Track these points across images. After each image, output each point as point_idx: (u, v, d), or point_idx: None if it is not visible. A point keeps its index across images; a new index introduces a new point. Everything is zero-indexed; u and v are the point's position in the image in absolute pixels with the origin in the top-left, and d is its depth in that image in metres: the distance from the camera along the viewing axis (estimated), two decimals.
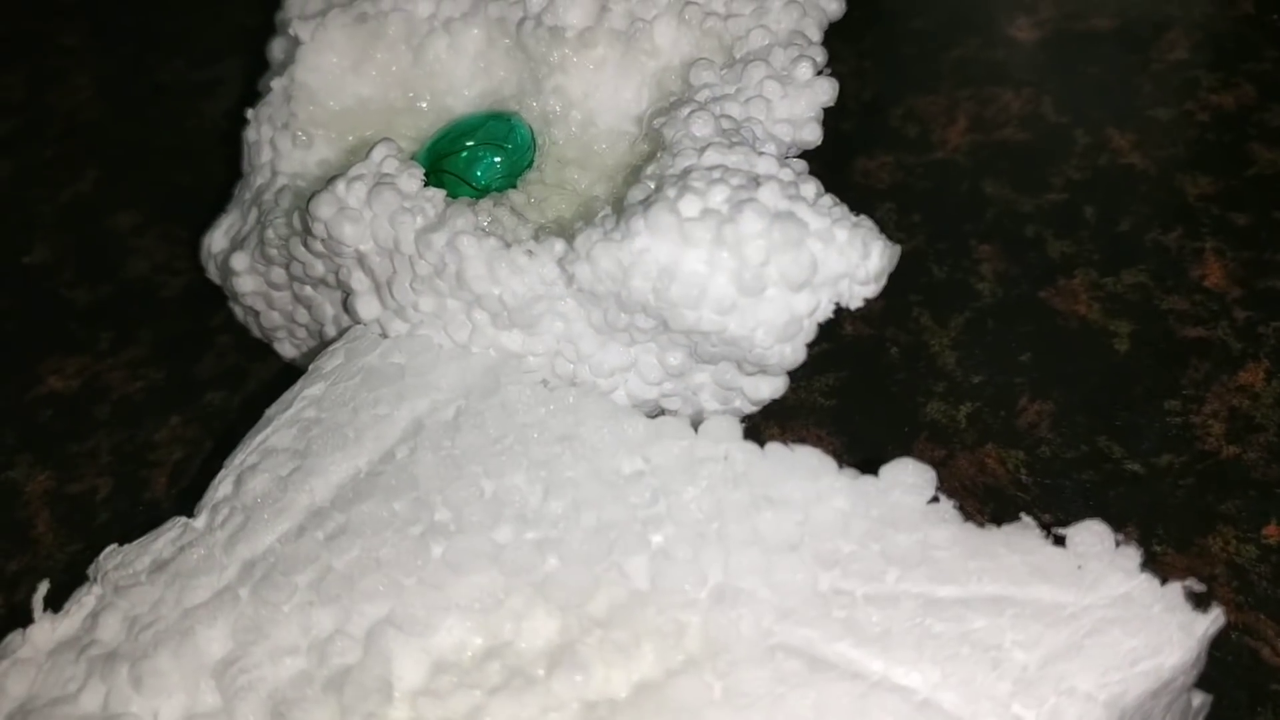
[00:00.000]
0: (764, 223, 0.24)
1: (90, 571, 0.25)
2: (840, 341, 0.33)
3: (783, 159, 0.27)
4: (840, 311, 0.26)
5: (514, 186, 0.30)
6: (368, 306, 0.28)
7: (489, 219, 0.28)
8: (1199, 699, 0.24)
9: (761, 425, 0.31)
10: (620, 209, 0.26)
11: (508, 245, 0.26)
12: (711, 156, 0.26)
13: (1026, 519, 0.24)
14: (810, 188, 0.26)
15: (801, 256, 0.25)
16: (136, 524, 0.27)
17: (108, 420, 0.33)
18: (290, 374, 0.33)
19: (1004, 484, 0.29)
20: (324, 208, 0.27)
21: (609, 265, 0.25)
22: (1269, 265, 0.33)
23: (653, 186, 0.26)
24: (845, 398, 0.31)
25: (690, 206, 0.25)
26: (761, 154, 0.26)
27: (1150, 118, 0.38)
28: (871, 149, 0.38)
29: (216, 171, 0.38)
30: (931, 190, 0.36)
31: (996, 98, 0.39)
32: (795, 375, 0.28)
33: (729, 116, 0.28)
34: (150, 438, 0.33)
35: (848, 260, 0.25)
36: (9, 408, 0.34)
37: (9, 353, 0.35)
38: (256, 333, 0.33)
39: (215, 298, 0.34)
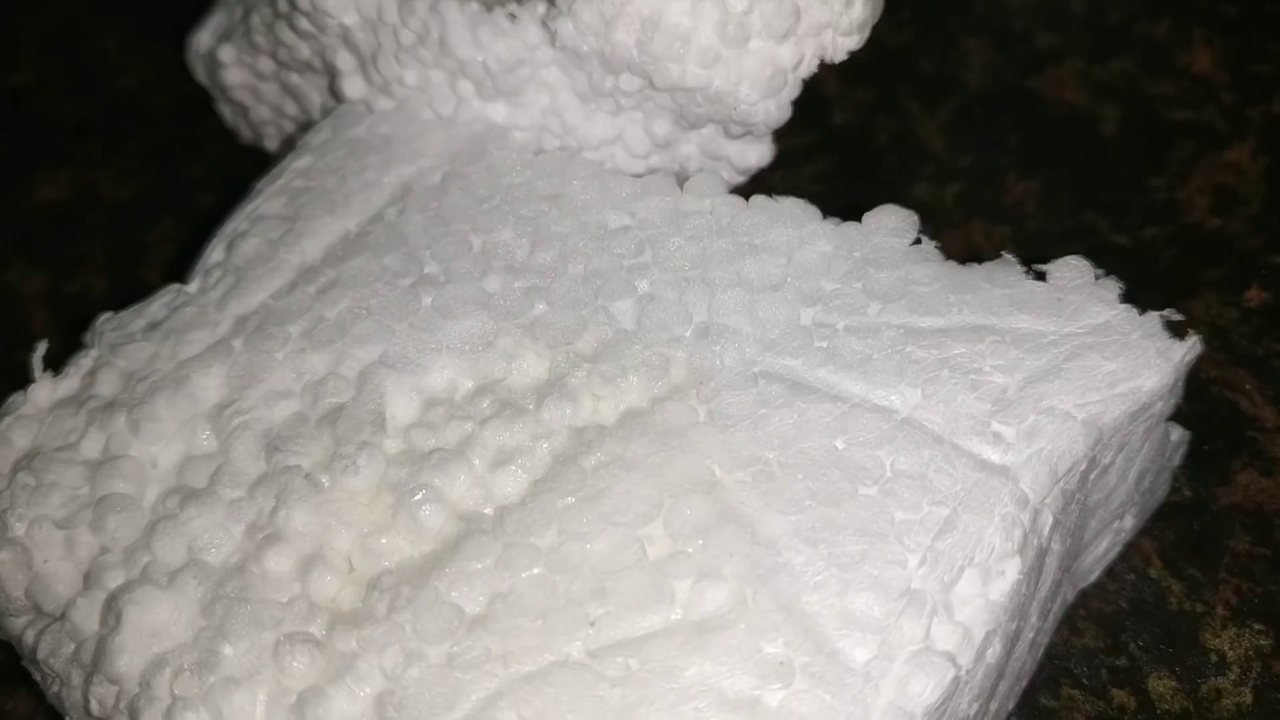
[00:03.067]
0: None
1: (86, 338, 0.26)
2: (829, 131, 0.33)
3: None
4: (824, 69, 0.26)
5: None
6: (353, 85, 0.28)
7: None
8: (1177, 433, 0.25)
9: None
10: None
11: (489, 9, 0.26)
12: None
13: (1008, 256, 0.24)
14: None
15: (784, 5, 0.24)
16: None
17: (101, 225, 0.33)
18: None
19: (990, 257, 0.29)
20: None
21: (590, 18, 0.25)
22: (1258, 51, 0.33)
23: None
24: (834, 183, 0.32)
25: None
26: None
27: None
28: None
29: None
30: None
31: None
32: (784, 163, 0.28)
33: None
34: (143, 239, 0.33)
35: (831, 9, 0.25)
36: (3, 216, 0.34)
37: (0, 167, 0.35)
38: (246, 133, 0.33)
39: (202, 109, 0.34)
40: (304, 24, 0.28)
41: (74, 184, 0.35)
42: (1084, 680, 0.24)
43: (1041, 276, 0.24)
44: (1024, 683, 0.23)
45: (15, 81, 0.38)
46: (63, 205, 0.34)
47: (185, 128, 0.35)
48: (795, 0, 0.25)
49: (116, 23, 0.39)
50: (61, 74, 0.38)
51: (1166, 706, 0.23)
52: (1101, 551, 0.25)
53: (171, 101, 0.36)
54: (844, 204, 0.31)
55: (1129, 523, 0.25)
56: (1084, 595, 0.25)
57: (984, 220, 0.30)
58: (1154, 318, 0.23)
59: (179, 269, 0.32)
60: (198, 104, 0.34)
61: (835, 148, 0.32)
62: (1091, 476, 0.23)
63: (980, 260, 0.29)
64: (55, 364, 0.25)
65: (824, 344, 0.23)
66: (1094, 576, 0.25)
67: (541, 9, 0.26)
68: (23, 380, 0.30)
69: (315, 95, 0.30)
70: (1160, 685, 0.23)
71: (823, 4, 0.25)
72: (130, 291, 0.32)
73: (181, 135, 0.35)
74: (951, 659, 0.19)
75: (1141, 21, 0.34)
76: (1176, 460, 0.25)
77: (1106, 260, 0.30)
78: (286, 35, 0.29)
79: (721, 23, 0.25)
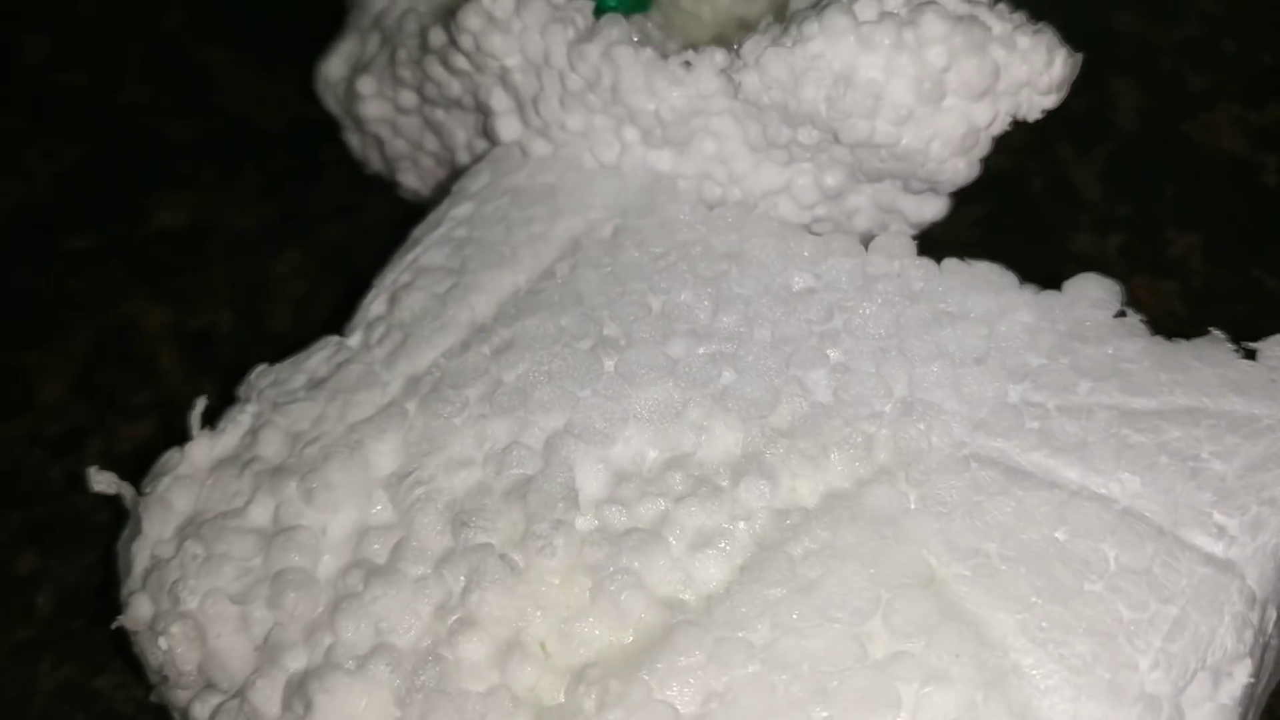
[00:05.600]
0: (946, 26, 0.23)
1: (240, 391, 0.25)
2: (982, 174, 0.31)
3: None
4: (1016, 126, 0.25)
5: (646, 9, 0.29)
6: (509, 127, 0.27)
7: (638, 34, 0.27)
8: None
9: None
10: (782, 18, 0.25)
11: (665, 56, 0.25)
12: None
13: (1216, 332, 0.23)
14: None
15: (985, 63, 0.23)
16: (264, 356, 0.26)
17: (222, 255, 0.32)
18: (408, 207, 0.32)
19: (1158, 315, 0.29)
20: (472, 18, 0.26)
21: (779, 72, 0.24)
22: None
23: None
24: (991, 230, 0.31)
25: (867, 9, 0.24)
26: None
27: None
28: None
29: (305, 7, 0.37)
30: (1061, 23, 0.35)
31: None
32: None
33: None
34: (268, 271, 0.32)
35: (1031, 67, 0.24)
36: (120, 244, 0.33)
37: (113, 190, 0.34)
38: (377, 164, 0.32)
39: (322, 132, 0.33)
40: (460, 63, 0.27)
41: (192, 210, 0.33)
42: None
43: (1252, 354, 0.23)
44: None
45: (123, 99, 0.36)
46: (182, 233, 0.33)
47: (303, 152, 0.34)
48: (995, 58, 0.24)
49: (220, 37, 0.38)
50: (170, 92, 0.37)
51: None
52: None
53: (286, 123, 0.35)
54: (1003, 253, 0.30)
55: None
56: None
57: (1148, 275, 0.29)
58: None
59: (308, 306, 0.31)
60: (314, 126, 0.33)
61: (989, 192, 0.31)
62: None
63: (1151, 321, 0.28)
64: (202, 405, 0.24)
65: (1036, 424, 0.22)
66: None
67: (720, 58, 0.25)
68: (153, 421, 0.30)
69: (460, 132, 0.29)
70: None
71: (1023, 61, 0.24)
72: (258, 328, 0.31)
73: (300, 160, 0.34)
74: None
75: None
76: None
77: (1277, 321, 0.29)
78: (436, 71, 0.28)
79: (918, 80, 0.23)
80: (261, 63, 0.37)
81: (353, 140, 0.32)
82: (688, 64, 0.25)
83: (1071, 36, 0.35)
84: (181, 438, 0.24)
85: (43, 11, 0.39)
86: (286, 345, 0.28)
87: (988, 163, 0.32)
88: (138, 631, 0.22)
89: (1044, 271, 0.30)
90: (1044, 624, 0.20)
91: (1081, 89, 0.33)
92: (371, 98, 0.30)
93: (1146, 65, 0.34)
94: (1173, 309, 0.29)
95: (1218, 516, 0.21)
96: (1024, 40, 0.24)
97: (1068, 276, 0.29)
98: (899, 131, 0.24)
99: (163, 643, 0.22)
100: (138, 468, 0.24)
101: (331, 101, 0.31)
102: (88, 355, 0.31)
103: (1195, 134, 0.32)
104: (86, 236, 0.33)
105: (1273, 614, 0.21)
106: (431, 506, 0.22)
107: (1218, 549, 0.21)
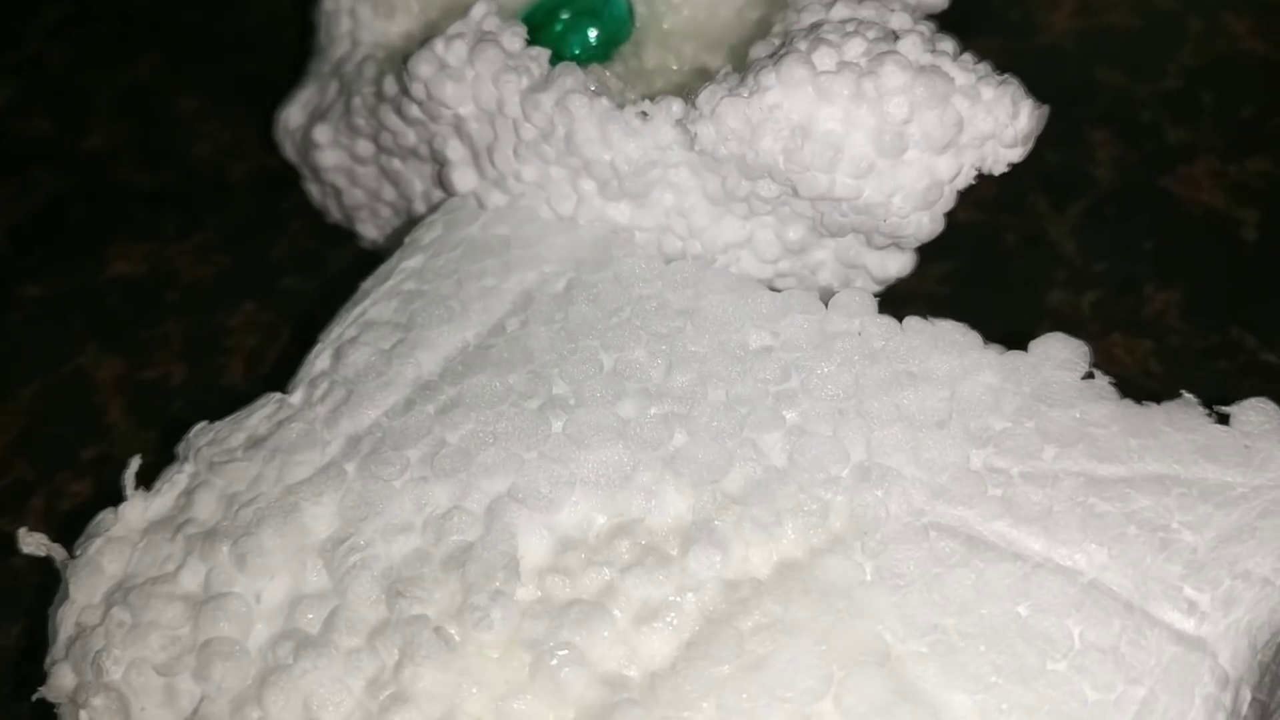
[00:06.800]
0: (907, 76, 0.23)
1: (179, 450, 0.24)
2: (953, 227, 0.31)
3: (916, 17, 0.25)
4: (981, 179, 0.24)
5: (609, 60, 0.28)
6: (464, 177, 0.26)
7: (595, 83, 0.26)
8: None
9: None
10: (743, 67, 0.24)
11: (620, 107, 0.25)
12: (841, 10, 0.24)
13: (1188, 396, 0.22)
14: (948, 44, 0.24)
15: (947, 114, 0.23)
16: (214, 410, 0.25)
17: (178, 306, 0.32)
18: (369, 258, 0.31)
19: (1134, 374, 0.28)
20: (423, 66, 0.25)
21: (736, 123, 0.23)
22: None
23: (778, 43, 0.24)
24: (961, 285, 0.30)
25: (825, 59, 0.23)
26: (893, 10, 0.25)
27: (1267, 2, 0.35)
28: (972, 34, 0.35)
29: (279, 56, 0.36)
30: (1040, 75, 0.34)
31: None
32: None
33: None
34: (224, 323, 0.31)
35: (995, 119, 0.23)
36: (75, 293, 0.32)
37: (72, 238, 0.34)
38: (335, 214, 0.31)
39: (285, 182, 0.32)
40: (414, 111, 0.26)
41: (149, 259, 0.33)
42: None
43: (1225, 419, 0.22)
44: None
45: (89, 145, 0.36)
46: (138, 282, 0.32)
47: (266, 202, 0.34)
48: (958, 109, 0.23)
49: (192, 86, 0.37)
50: (136, 139, 0.36)
51: None
52: None
53: (251, 172, 0.35)
54: (974, 309, 0.29)
55: None
56: None
57: (1124, 333, 0.29)
58: None
59: (262, 358, 0.30)
60: (279, 176, 0.33)
61: (960, 247, 0.30)
62: None
63: (1126, 379, 0.27)
64: (137, 464, 0.23)
65: (999, 492, 0.21)
66: None
67: (676, 109, 0.24)
68: (98, 477, 0.29)
69: (417, 182, 0.28)
70: None
71: (988, 113, 0.23)
72: (210, 381, 0.30)
73: (262, 210, 0.34)
74: None
75: (1277, 117, 0.33)
76: None
77: (1256, 381, 0.28)
78: (392, 121, 0.27)
79: (878, 131, 0.23)
80: (229, 111, 0.36)
81: (312, 190, 0.31)
82: (644, 114, 0.24)
83: (1050, 88, 0.34)
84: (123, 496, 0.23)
85: (8, 58, 0.38)
86: (238, 398, 0.27)
87: (959, 216, 0.31)
88: (60, 704, 0.21)
89: (1016, 329, 0.29)
90: (1004, 705, 0.19)
91: (1058, 141, 0.33)
92: (328, 146, 0.29)
93: (1125, 117, 0.33)
94: (1149, 368, 0.28)
95: (1189, 591, 0.20)
96: (988, 92, 0.23)
97: (1041, 335, 0.29)
98: (859, 185, 0.23)
99: (84, 716, 0.21)
100: (80, 526, 0.24)
101: (290, 150, 0.31)
102: (36, 408, 0.30)
103: (1174, 188, 0.31)
104: (42, 285, 0.32)
105: (1246, 695, 0.20)
106: (367, 574, 0.21)
107: (1188, 625, 0.20)
